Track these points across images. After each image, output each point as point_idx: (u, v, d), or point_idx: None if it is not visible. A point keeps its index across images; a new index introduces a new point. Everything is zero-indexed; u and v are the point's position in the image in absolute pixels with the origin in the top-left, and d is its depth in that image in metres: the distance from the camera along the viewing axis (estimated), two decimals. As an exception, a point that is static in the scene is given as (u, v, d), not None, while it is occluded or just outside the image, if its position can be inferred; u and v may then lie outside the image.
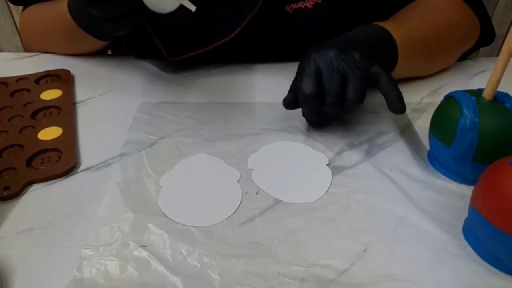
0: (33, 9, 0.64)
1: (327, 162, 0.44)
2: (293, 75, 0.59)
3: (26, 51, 0.67)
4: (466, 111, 0.39)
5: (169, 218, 0.38)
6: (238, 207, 0.39)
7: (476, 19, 0.59)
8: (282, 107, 0.52)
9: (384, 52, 0.49)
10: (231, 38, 0.56)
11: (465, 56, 0.61)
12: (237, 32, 0.56)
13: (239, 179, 0.42)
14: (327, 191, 0.41)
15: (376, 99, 0.55)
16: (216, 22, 0.56)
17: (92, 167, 0.43)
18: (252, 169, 0.43)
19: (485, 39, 0.62)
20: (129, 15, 0.43)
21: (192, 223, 0.37)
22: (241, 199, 0.40)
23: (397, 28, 0.50)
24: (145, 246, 0.35)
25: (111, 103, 0.53)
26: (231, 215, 0.38)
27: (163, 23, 0.50)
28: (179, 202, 0.40)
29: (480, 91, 0.40)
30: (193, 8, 0.44)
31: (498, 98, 0.39)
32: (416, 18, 0.55)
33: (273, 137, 0.48)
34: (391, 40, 0.49)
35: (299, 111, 0.47)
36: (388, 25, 0.50)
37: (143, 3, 0.43)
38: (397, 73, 0.51)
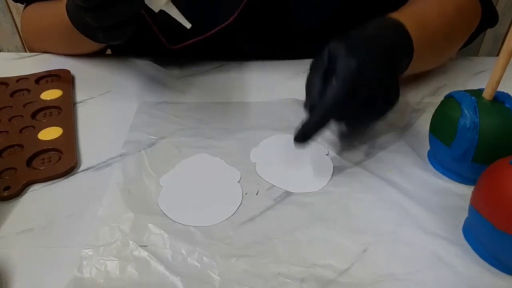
0: (33, 8, 0.64)
1: (327, 153, 0.45)
2: (293, 74, 0.59)
3: (27, 50, 0.67)
4: (466, 111, 0.39)
5: (169, 218, 0.38)
6: (238, 207, 0.39)
7: (478, 2, 0.58)
8: (281, 106, 0.52)
9: (400, 54, 0.46)
10: (230, 23, 0.56)
11: (469, 42, 0.60)
12: (236, 16, 0.56)
13: (239, 179, 0.42)
14: (329, 180, 0.42)
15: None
16: (214, 8, 0.56)
17: (92, 167, 0.43)
18: (255, 163, 0.44)
19: (488, 21, 0.60)
20: (124, 25, 0.43)
21: (192, 223, 0.37)
22: (242, 199, 0.40)
23: (413, 23, 0.47)
24: (145, 246, 0.35)
25: (111, 103, 0.53)
26: (232, 215, 0.38)
27: (161, 12, 0.51)
28: (179, 202, 0.40)
29: (480, 91, 0.40)
30: (188, 25, 0.44)
31: (498, 98, 0.39)
32: (431, 9, 0.52)
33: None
34: (408, 39, 0.46)
35: (300, 111, 0.47)
36: (404, 19, 0.46)
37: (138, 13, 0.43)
38: (407, 71, 0.49)
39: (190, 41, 0.57)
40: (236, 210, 0.39)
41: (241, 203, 0.39)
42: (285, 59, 0.62)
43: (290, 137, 0.47)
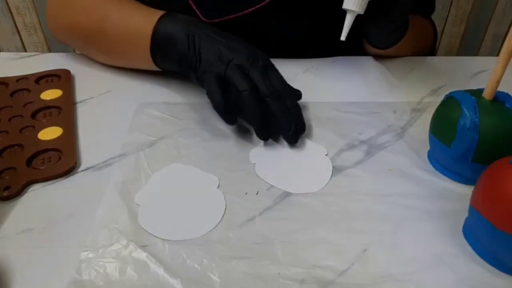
0: None
1: (326, 153, 0.45)
2: (293, 75, 0.59)
3: (47, 28, 0.63)
4: (466, 111, 0.39)
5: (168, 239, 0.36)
6: (224, 212, 0.38)
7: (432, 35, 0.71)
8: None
9: None
10: (268, 3, 0.56)
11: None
12: None
13: (218, 185, 0.41)
14: (329, 180, 0.42)
15: (376, 98, 0.55)
16: None
17: (92, 167, 0.43)
18: (254, 164, 0.44)
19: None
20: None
21: (190, 236, 0.36)
22: (225, 203, 0.39)
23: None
24: (145, 247, 0.35)
25: (111, 103, 0.53)
26: (219, 222, 0.38)
27: None
28: (166, 219, 0.38)
29: (480, 91, 0.40)
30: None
31: (498, 98, 0.39)
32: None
33: (273, 137, 0.48)
34: None
35: (303, 113, 0.47)
36: None
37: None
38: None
39: (227, 17, 0.56)
40: (223, 216, 0.38)
41: (226, 207, 0.39)
42: (304, 52, 0.63)
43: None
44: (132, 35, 0.52)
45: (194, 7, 0.56)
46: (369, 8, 0.47)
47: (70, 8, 0.58)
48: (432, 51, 0.71)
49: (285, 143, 0.47)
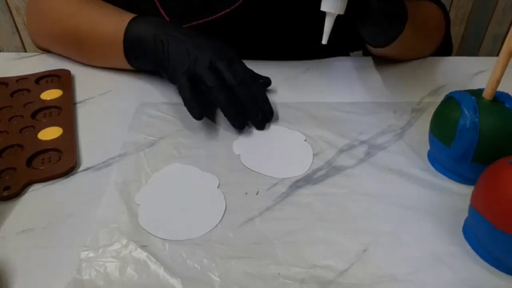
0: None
1: (304, 138, 0.47)
2: (293, 75, 0.59)
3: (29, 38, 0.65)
4: (466, 111, 0.39)
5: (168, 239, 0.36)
6: (224, 212, 0.38)
7: (443, 29, 0.65)
8: (279, 106, 0.52)
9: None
10: (237, 7, 0.56)
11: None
12: (242, 1, 0.56)
13: (218, 185, 0.41)
14: (311, 165, 0.44)
15: (376, 98, 0.55)
16: None
17: (92, 167, 0.43)
18: (239, 155, 0.45)
19: (446, 51, 0.67)
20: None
21: (190, 236, 0.36)
22: (225, 203, 0.39)
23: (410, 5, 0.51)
24: (145, 247, 0.35)
25: (111, 103, 0.53)
26: (219, 222, 0.38)
27: None
28: (166, 219, 0.38)
29: (480, 91, 0.40)
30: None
31: (498, 98, 0.39)
32: (425, 6, 0.61)
33: (273, 137, 0.48)
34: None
35: (303, 113, 0.47)
36: None
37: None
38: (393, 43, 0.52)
39: (195, 22, 0.57)
40: (223, 216, 0.38)
41: (225, 208, 0.39)
42: (293, 43, 0.62)
43: (267, 127, 0.49)
44: (106, 42, 0.54)
45: (162, 13, 0.57)
46: (351, 6, 0.44)
47: (44, 19, 0.60)
48: (447, 44, 0.66)
49: (264, 132, 0.48)
